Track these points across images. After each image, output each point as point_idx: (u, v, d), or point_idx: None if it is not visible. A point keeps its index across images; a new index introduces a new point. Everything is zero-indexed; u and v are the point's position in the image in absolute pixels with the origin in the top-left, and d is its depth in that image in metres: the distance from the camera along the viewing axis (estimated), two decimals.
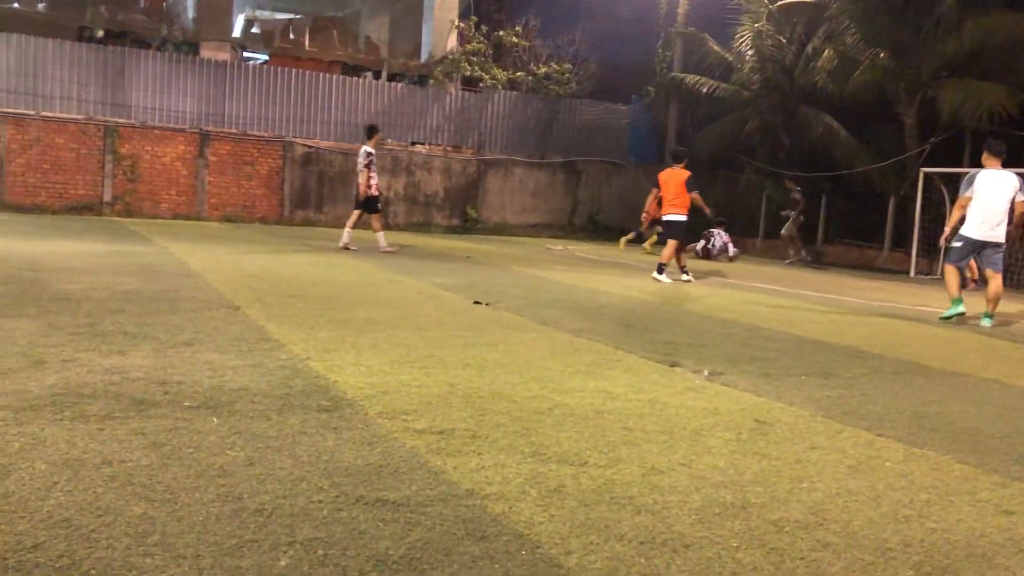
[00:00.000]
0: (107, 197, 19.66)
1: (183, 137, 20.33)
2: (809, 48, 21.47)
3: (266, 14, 29.74)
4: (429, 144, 23.18)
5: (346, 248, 14.21)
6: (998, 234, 9.40)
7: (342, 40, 27.27)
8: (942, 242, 10.27)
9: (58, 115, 19.42)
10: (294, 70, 22.51)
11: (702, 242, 19.22)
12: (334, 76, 23.33)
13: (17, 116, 18.95)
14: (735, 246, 20.05)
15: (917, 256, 18.18)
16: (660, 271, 12.50)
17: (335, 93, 22.57)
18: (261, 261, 11.49)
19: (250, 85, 21.71)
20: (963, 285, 10.12)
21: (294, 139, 21.55)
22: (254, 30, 28.59)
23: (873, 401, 5.15)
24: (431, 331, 6.61)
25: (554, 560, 2.59)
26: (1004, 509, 3.34)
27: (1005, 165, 9.77)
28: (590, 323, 7.63)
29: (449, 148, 23.47)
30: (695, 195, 12.55)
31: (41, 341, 5.22)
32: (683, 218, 12.74)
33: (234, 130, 21.07)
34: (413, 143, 22.85)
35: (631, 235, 19.34)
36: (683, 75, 23.57)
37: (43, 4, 23.78)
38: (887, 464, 3.85)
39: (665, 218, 13.03)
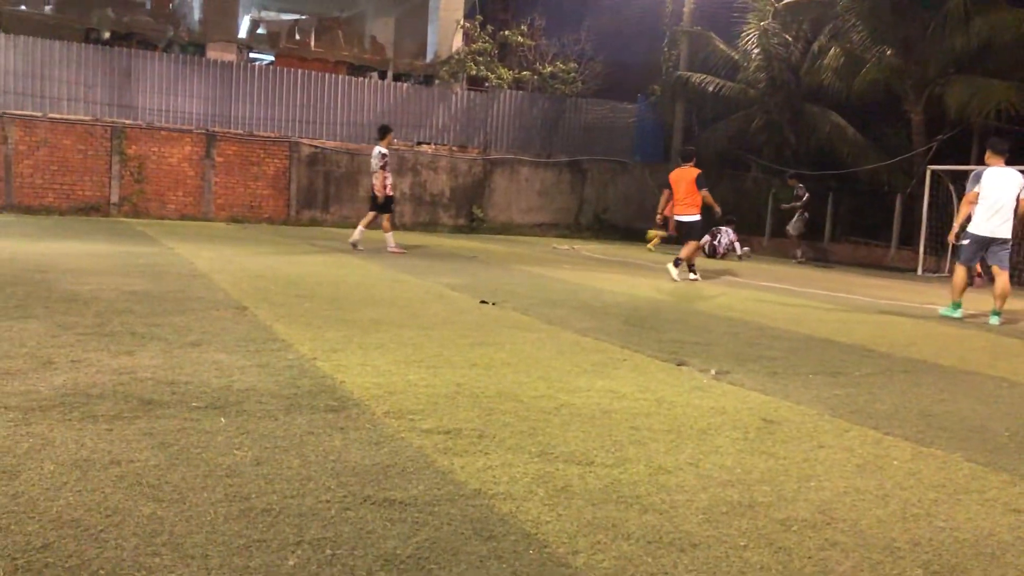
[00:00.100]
0: (114, 198, 19.72)
1: (190, 138, 20.38)
2: (815, 46, 21.42)
3: (272, 15, 29.80)
4: (435, 144, 23.19)
5: (355, 246, 14.24)
6: (1005, 231, 9.44)
7: (348, 40, 27.31)
8: (951, 239, 10.27)
9: (65, 116, 19.49)
10: (300, 70, 22.55)
11: (707, 238, 19.19)
12: (340, 76, 23.36)
13: (25, 118, 19.01)
14: (746, 245, 20.03)
15: (924, 254, 18.13)
16: (676, 264, 12.52)
17: (341, 93, 22.60)
18: (268, 261, 11.51)
19: (256, 86, 21.76)
20: (970, 282, 10.12)
21: (300, 139, 21.58)
22: (260, 31, 28.65)
23: (881, 400, 5.13)
24: (438, 331, 6.61)
25: (561, 559, 2.59)
26: (1013, 507, 3.33)
27: (1013, 162, 9.76)
28: (597, 322, 7.62)
29: (455, 148, 23.48)
30: (705, 192, 12.60)
31: (49, 342, 5.24)
32: (698, 217, 12.81)
33: (240, 131, 21.11)
34: (419, 143, 22.87)
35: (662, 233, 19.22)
36: (689, 74, 23.53)
37: (50, 6, 23.87)
38: (895, 463, 3.84)
39: (679, 218, 12.99)
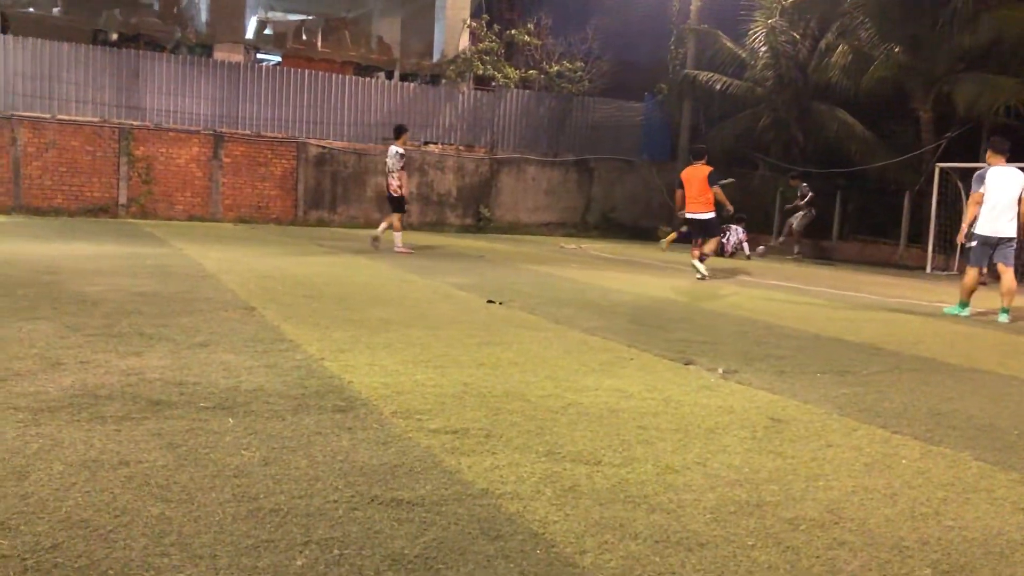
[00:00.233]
0: (122, 199, 19.78)
1: (197, 139, 20.43)
2: (823, 44, 21.33)
3: (278, 15, 29.85)
4: (442, 144, 23.20)
5: (374, 241, 14.31)
6: (1009, 229, 9.47)
7: (354, 40, 27.35)
8: (960, 239, 10.27)
9: (73, 118, 19.56)
10: (307, 71, 22.59)
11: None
12: (347, 76, 23.39)
13: (33, 119, 19.09)
14: (761, 244, 19.99)
15: (933, 252, 18.05)
16: (702, 260, 12.70)
17: (348, 93, 22.63)
18: (276, 262, 11.54)
19: (263, 86, 21.81)
20: (982, 282, 10.12)
21: (307, 140, 21.62)
22: (267, 31, 28.72)
23: (889, 398, 5.12)
24: (445, 330, 6.62)
25: (569, 559, 2.59)
26: (1022, 506, 3.32)
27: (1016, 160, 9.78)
28: (604, 321, 7.62)
29: (462, 147, 23.48)
30: (717, 189, 12.67)
31: (58, 343, 5.26)
32: (712, 215, 12.88)
33: (248, 131, 21.16)
34: (426, 143, 22.88)
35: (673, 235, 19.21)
36: (696, 72, 23.48)
37: (58, 8, 23.96)
38: (904, 462, 3.83)
39: (693, 216, 12.96)
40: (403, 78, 25.49)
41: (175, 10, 25.19)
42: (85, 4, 23.50)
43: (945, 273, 17.05)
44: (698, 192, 12.66)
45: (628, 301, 9.37)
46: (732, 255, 18.93)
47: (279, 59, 25.72)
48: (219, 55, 22.60)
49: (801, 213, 19.92)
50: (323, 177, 21.78)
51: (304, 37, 27.34)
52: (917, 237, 19.33)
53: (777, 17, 21.69)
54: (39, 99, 19.61)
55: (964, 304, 9.77)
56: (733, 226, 19.03)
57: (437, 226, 22.55)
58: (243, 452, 3.40)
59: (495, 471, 3.34)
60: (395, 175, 14.30)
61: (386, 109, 22.93)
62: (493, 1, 27.95)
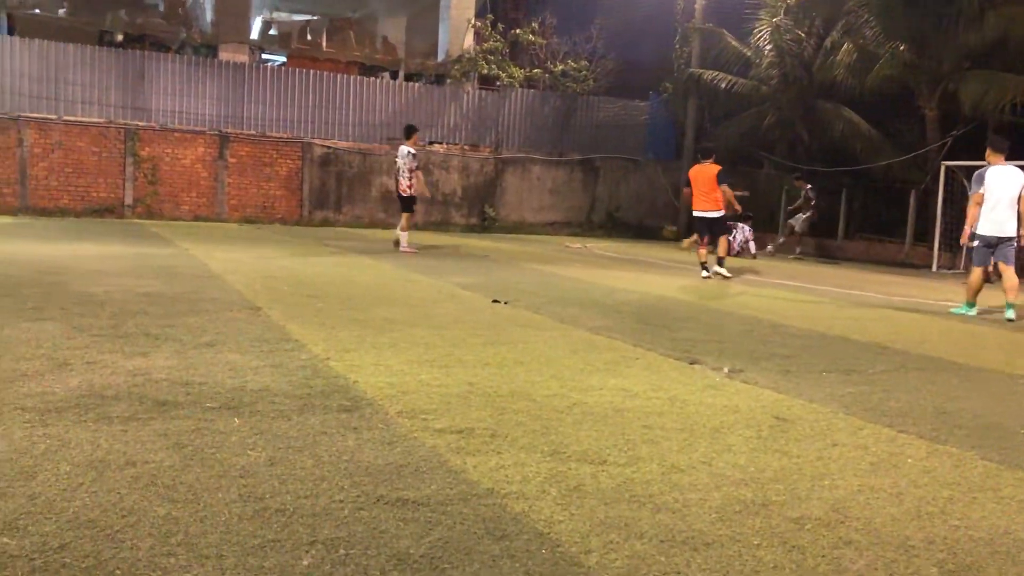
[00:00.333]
0: (128, 200, 19.83)
1: (203, 139, 20.47)
2: (828, 42, 21.29)
3: (283, 16, 29.88)
4: (447, 143, 23.21)
5: (397, 246, 14.42)
6: (1009, 228, 9.48)
7: (359, 41, 27.35)
8: (963, 241, 10.27)
9: (79, 119, 19.61)
10: (312, 71, 22.62)
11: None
12: (351, 77, 23.41)
13: (39, 120, 19.15)
14: (769, 244, 19.94)
15: (939, 250, 18.01)
16: (720, 263, 12.90)
17: (353, 94, 22.65)
18: (281, 262, 11.56)
19: (268, 87, 21.84)
20: (987, 280, 10.10)
21: (312, 140, 21.64)
22: (272, 32, 28.74)
23: (895, 397, 5.11)
24: (450, 330, 6.63)
25: (574, 559, 2.59)
26: None
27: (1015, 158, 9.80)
28: (609, 321, 7.62)
29: (467, 147, 23.49)
30: (726, 188, 12.74)
31: (65, 343, 5.28)
32: (721, 213, 12.93)
33: (253, 131, 21.19)
34: (431, 142, 22.89)
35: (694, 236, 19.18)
36: (701, 71, 23.45)
37: (63, 9, 24.00)
38: (909, 461, 3.82)
39: (701, 214, 12.97)
40: (408, 78, 25.50)
41: (180, 11, 25.21)
42: (90, 5, 23.55)
43: (951, 272, 17.00)
44: (707, 190, 12.71)
45: (633, 300, 9.37)
46: (738, 254, 18.90)
47: (284, 59, 25.74)
48: (224, 55, 22.64)
49: (803, 215, 19.88)
50: (328, 177, 21.80)
51: (309, 37, 27.35)
52: (923, 235, 19.29)
53: (782, 16, 21.65)
54: (45, 100, 19.66)
55: (971, 304, 9.77)
56: (740, 224, 19.01)
57: (442, 226, 22.57)
58: (249, 452, 3.40)
59: (500, 471, 3.35)
60: (405, 174, 14.33)
61: (391, 109, 22.95)
62: (498, 1, 27.94)
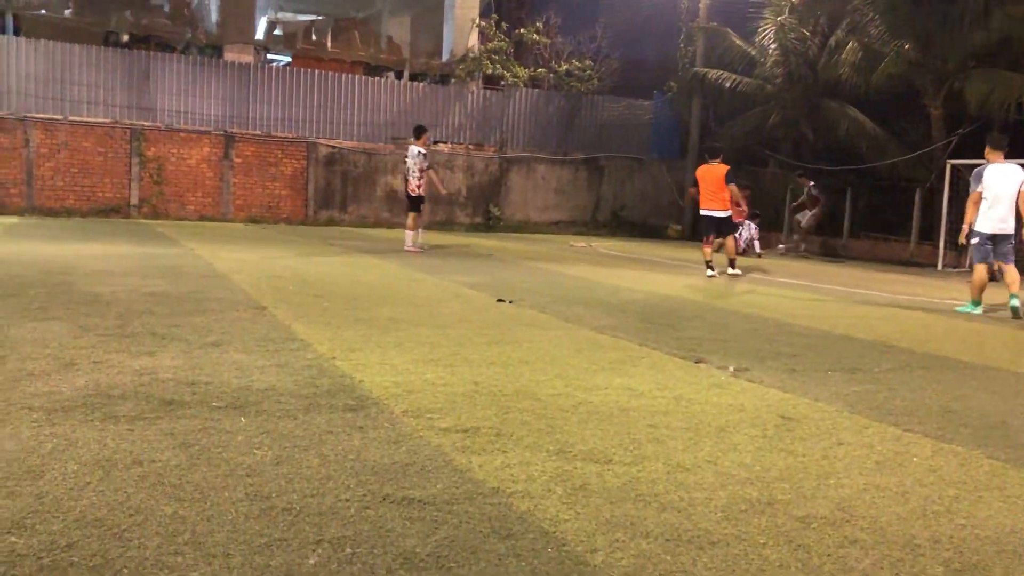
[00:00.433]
0: (134, 200, 19.88)
1: (208, 139, 20.51)
2: (832, 41, 21.26)
3: (288, 16, 29.92)
4: (451, 143, 23.23)
5: (421, 248, 14.48)
6: (1008, 227, 9.53)
7: (364, 41, 27.39)
8: (962, 240, 10.29)
9: (85, 119, 19.66)
10: (317, 71, 22.65)
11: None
12: (356, 76, 23.44)
13: (45, 121, 19.20)
14: (780, 243, 19.90)
15: (944, 249, 17.97)
16: (732, 265, 13.13)
17: (357, 93, 22.68)
18: (286, 261, 11.57)
19: (273, 87, 21.87)
20: (991, 278, 10.10)
21: (317, 140, 21.67)
22: (277, 32, 28.78)
23: (901, 396, 5.10)
24: (455, 329, 6.63)
25: (580, 558, 2.60)
26: None
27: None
28: (614, 320, 7.61)
29: (471, 146, 23.50)
30: (733, 187, 12.85)
31: (71, 343, 5.29)
32: (728, 213, 13.06)
33: (258, 131, 21.23)
34: (435, 142, 22.90)
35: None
36: (705, 70, 23.43)
37: (69, 10, 24.07)
38: (915, 459, 3.82)
39: (708, 214, 13.01)
40: (413, 78, 25.53)
41: (185, 11, 25.28)
42: (96, 6, 23.61)
43: (956, 270, 16.96)
44: (714, 190, 12.77)
45: (638, 299, 9.36)
46: (744, 252, 18.87)
47: (289, 59, 25.80)
48: (229, 56, 22.69)
49: (807, 212, 19.88)
50: (333, 177, 21.83)
51: (314, 37, 27.40)
52: (928, 234, 19.24)
53: (786, 14, 21.62)
54: (51, 100, 19.71)
55: (976, 302, 9.76)
56: (747, 222, 19.00)
57: (447, 225, 22.58)
58: (255, 451, 3.41)
59: (506, 470, 3.35)
60: (415, 174, 14.35)
61: (396, 109, 22.97)
62: (502, 0, 27.94)
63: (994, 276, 10.40)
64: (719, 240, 13.70)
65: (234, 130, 20.91)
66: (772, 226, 21.71)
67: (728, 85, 22.79)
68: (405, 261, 12.64)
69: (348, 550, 2.56)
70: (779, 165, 22.85)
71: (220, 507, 2.82)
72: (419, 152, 14.36)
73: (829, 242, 21.16)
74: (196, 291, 8.00)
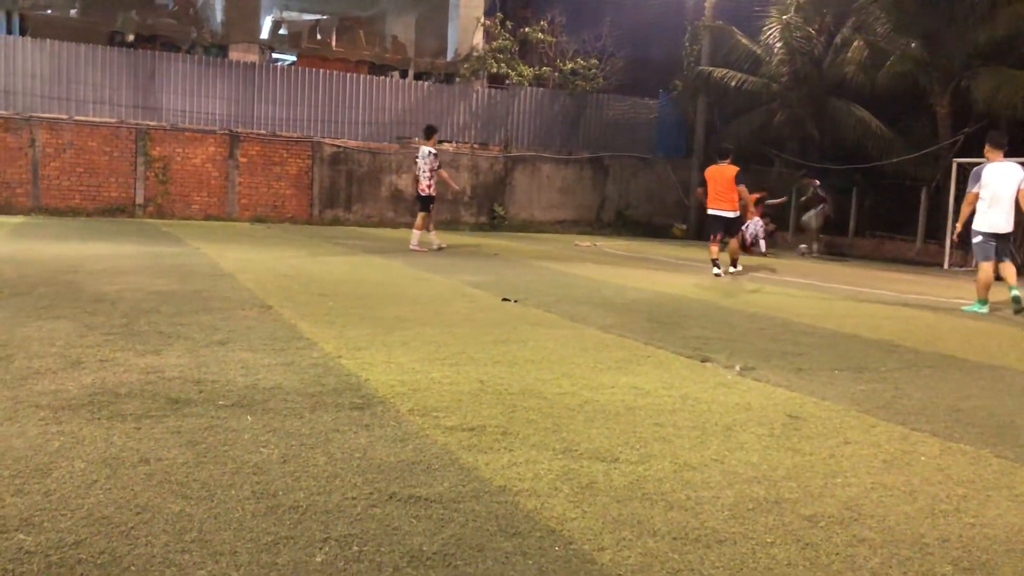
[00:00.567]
0: (139, 199, 19.91)
1: (213, 139, 20.53)
2: (838, 39, 21.21)
3: (293, 15, 29.95)
4: (456, 142, 23.22)
5: (439, 248, 14.44)
6: (1007, 225, 9.56)
7: (368, 40, 27.39)
8: (954, 239, 10.35)
9: (90, 119, 19.70)
10: (321, 70, 22.67)
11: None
12: (361, 76, 23.45)
13: (51, 121, 19.24)
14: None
15: (951, 248, 17.91)
16: (734, 264, 13.19)
17: (362, 93, 22.69)
18: (292, 260, 11.58)
19: (278, 86, 21.89)
20: (997, 277, 10.09)
21: (322, 139, 21.68)
22: (281, 31, 28.81)
23: (908, 395, 5.09)
24: (461, 328, 6.63)
25: (587, 556, 2.59)
26: None
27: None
28: (620, 319, 7.61)
29: (476, 145, 23.49)
30: (742, 188, 12.86)
31: (78, 341, 5.30)
32: (736, 214, 13.08)
33: (263, 131, 21.25)
34: (440, 141, 22.89)
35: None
36: (711, 69, 23.38)
37: (75, 10, 24.12)
38: (923, 459, 3.81)
39: (716, 213, 13.01)
40: (417, 77, 25.53)
41: (191, 11, 25.30)
42: (102, 5, 23.65)
43: (963, 269, 16.91)
44: (724, 190, 12.80)
45: (644, 299, 9.35)
46: (749, 246, 18.81)
47: (294, 59, 25.81)
48: (234, 55, 22.71)
49: (814, 212, 19.84)
50: (338, 176, 21.84)
51: (319, 37, 27.40)
52: (934, 233, 19.19)
53: (792, 13, 21.57)
54: (57, 100, 19.76)
55: (983, 301, 9.74)
56: (755, 218, 18.95)
57: (451, 224, 22.57)
58: (262, 449, 3.41)
59: (512, 468, 3.35)
60: (426, 174, 14.36)
61: (400, 108, 22.98)
62: None
63: (1000, 276, 10.38)
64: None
65: (239, 130, 20.94)
66: (777, 224, 21.66)
67: (733, 84, 22.74)
68: (410, 260, 12.64)
69: (355, 548, 2.56)
70: (785, 164, 22.81)
71: (227, 505, 2.83)
72: (429, 152, 14.38)
73: (835, 241, 21.12)
74: (202, 290, 8.01)
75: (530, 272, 11.84)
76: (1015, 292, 9.46)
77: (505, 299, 8.49)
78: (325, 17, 29.14)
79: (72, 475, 3.02)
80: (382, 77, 23.85)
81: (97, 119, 19.75)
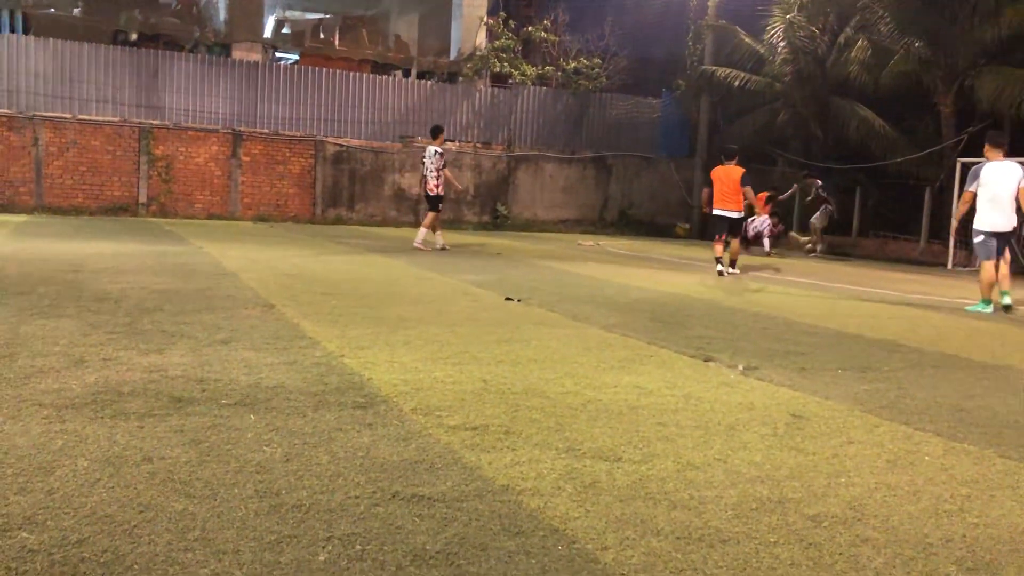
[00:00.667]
0: (142, 198, 19.94)
1: (216, 138, 20.55)
2: (842, 38, 21.18)
3: (296, 14, 29.96)
4: (459, 141, 23.22)
5: (443, 249, 14.44)
6: (1007, 223, 9.60)
7: (371, 39, 27.40)
8: (952, 232, 10.42)
9: (94, 118, 19.72)
10: (324, 69, 22.68)
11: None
12: (364, 75, 23.46)
13: (54, 119, 19.27)
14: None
15: (955, 248, 17.88)
16: (732, 265, 13.21)
17: (365, 92, 22.70)
18: (295, 259, 11.59)
19: (281, 85, 21.91)
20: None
21: (325, 138, 21.69)
22: (285, 30, 28.82)
23: (912, 395, 5.08)
24: (463, 328, 6.63)
25: (590, 555, 2.59)
26: None
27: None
28: (623, 318, 7.60)
29: (479, 144, 23.49)
30: (748, 190, 12.90)
31: (81, 340, 5.30)
32: (742, 214, 13.21)
33: (266, 130, 21.27)
34: (444, 140, 22.89)
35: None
36: (714, 68, 23.37)
37: (78, 9, 24.15)
38: (927, 458, 3.80)
39: (721, 213, 13.01)
40: (420, 76, 25.54)
41: (194, 10, 25.33)
42: (105, 4, 23.68)
43: (966, 269, 16.88)
44: (730, 191, 12.83)
45: (647, 298, 9.35)
46: (753, 240, 18.75)
47: (297, 58, 25.82)
48: (237, 54, 22.72)
49: (818, 212, 19.83)
50: (341, 175, 21.85)
51: (322, 36, 27.42)
52: (938, 233, 19.16)
53: (795, 12, 21.55)
54: (60, 99, 19.79)
55: (986, 301, 9.73)
56: (763, 215, 18.92)
57: (454, 224, 22.57)
58: (265, 448, 3.41)
59: (515, 467, 3.35)
60: (433, 174, 14.37)
61: (403, 107, 22.99)
62: None
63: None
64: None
65: (242, 128, 20.95)
66: (785, 226, 21.64)
67: (737, 83, 22.73)
68: (413, 260, 12.64)
69: (358, 547, 2.55)
70: (788, 164, 22.79)
71: (230, 504, 2.82)
72: (436, 151, 14.38)
73: (838, 240, 21.09)
74: (205, 289, 8.01)
75: (533, 271, 11.84)
76: (1006, 300, 9.53)
77: (508, 298, 8.48)
78: (328, 16, 29.16)
79: (75, 473, 3.02)
80: (385, 76, 23.85)
81: (100, 118, 19.77)
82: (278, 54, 25.97)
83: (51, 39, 20.12)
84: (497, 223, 23.14)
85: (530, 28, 24.87)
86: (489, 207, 23.37)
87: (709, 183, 13.46)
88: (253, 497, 2.89)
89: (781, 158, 23.08)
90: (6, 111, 19.06)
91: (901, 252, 20.02)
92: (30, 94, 19.60)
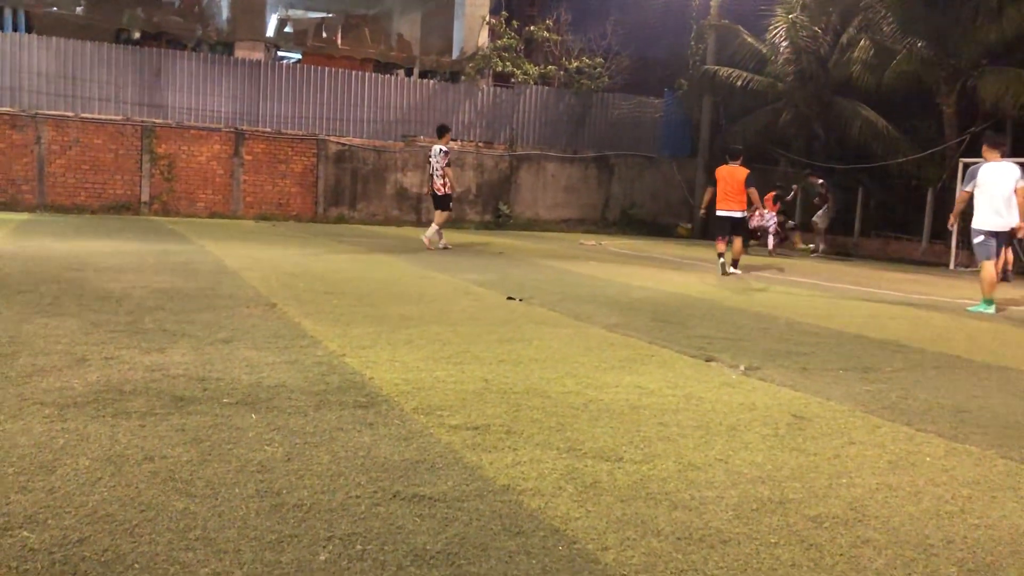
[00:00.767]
0: (145, 196, 19.95)
1: (218, 136, 20.57)
2: (844, 38, 21.17)
3: (299, 13, 29.96)
4: (461, 140, 23.23)
5: (446, 248, 14.42)
6: (1004, 224, 9.64)
7: (374, 38, 27.41)
8: (949, 227, 10.51)
9: (96, 116, 19.74)
10: (327, 68, 22.68)
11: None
12: (366, 74, 23.47)
13: (57, 118, 19.29)
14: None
15: (957, 248, 17.87)
16: (735, 265, 13.18)
17: (367, 91, 22.70)
18: (296, 258, 11.59)
19: (284, 84, 21.92)
20: (1002, 278, 10.13)
21: (327, 137, 21.71)
22: (287, 29, 28.83)
23: (913, 396, 5.07)
24: (465, 327, 6.63)
25: (591, 555, 2.59)
26: None
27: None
28: (624, 318, 7.60)
29: (481, 144, 23.50)
30: (752, 191, 12.90)
31: (83, 339, 5.31)
32: (745, 214, 13.22)
33: (268, 129, 21.28)
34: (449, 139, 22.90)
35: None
36: (716, 68, 23.36)
37: (81, 7, 24.16)
38: (928, 459, 3.79)
39: (726, 213, 13.02)
40: (422, 75, 25.54)
41: (196, 8, 25.34)
42: (108, 3, 23.70)
43: (968, 269, 16.86)
44: (733, 191, 12.83)
45: (648, 298, 9.34)
46: (755, 234, 18.70)
47: (299, 57, 25.83)
48: (240, 53, 22.74)
49: (820, 211, 19.83)
50: (343, 174, 21.86)
51: (324, 35, 27.44)
52: (940, 233, 19.14)
53: (798, 12, 21.53)
54: (62, 98, 19.81)
55: (988, 301, 9.73)
56: (766, 211, 18.90)
57: (456, 223, 22.57)
58: (266, 448, 3.42)
59: (516, 467, 3.35)
60: (439, 173, 14.37)
61: (406, 106, 22.99)
62: None
63: (1007, 277, 10.41)
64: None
65: (244, 127, 20.97)
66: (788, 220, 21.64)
67: (739, 83, 22.72)
68: (415, 259, 12.65)
69: (359, 547, 2.55)
70: (790, 163, 22.78)
71: (231, 503, 2.83)
72: (441, 150, 14.37)
73: (840, 240, 21.09)
74: (207, 288, 8.02)
75: (535, 271, 11.84)
76: (989, 308, 9.64)
77: (510, 298, 8.48)
78: (330, 15, 29.17)
79: (76, 472, 3.03)
80: (387, 75, 23.87)
81: (103, 116, 19.79)
82: (280, 53, 25.98)
83: (54, 37, 20.14)
84: (499, 222, 23.15)
85: (532, 27, 24.87)
86: (491, 206, 23.38)
87: (713, 182, 13.47)
88: (254, 496, 2.90)
89: (783, 158, 23.07)
90: (9, 109, 19.08)
91: (903, 252, 20.01)
92: (32, 92, 19.62)
